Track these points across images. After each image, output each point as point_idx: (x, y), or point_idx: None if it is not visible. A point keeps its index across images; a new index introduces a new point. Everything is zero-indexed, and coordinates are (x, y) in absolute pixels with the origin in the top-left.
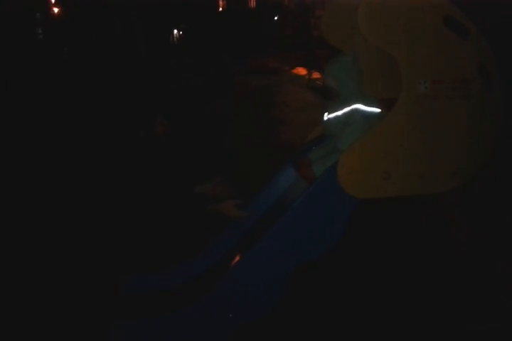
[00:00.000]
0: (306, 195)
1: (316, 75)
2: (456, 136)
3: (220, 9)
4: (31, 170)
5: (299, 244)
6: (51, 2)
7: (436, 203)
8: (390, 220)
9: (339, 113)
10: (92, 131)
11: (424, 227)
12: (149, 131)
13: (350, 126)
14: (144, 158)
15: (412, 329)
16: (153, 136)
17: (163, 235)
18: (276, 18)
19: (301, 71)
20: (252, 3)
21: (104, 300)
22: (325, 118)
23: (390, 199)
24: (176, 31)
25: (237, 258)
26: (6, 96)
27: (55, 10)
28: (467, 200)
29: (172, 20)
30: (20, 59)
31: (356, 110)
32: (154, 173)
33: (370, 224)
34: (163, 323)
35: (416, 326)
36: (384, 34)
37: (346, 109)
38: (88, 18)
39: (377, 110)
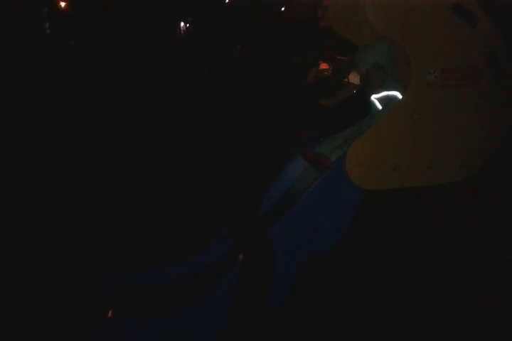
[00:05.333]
0: (315, 187)
1: (323, 66)
2: (465, 125)
3: (227, 1)
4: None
5: (306, 238)
6: None
7: (445, 196)
8: (398, 213)
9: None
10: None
11: (432, 219)
12: None
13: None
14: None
15: (421, 321)
16: None
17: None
18: (283, 9)
19: None
20: None
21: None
22: None
23: (397, 191)
24: (182, 24)
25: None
26: (13, 90)
27: (62, 4)
28: (476, 193)
29: (179, 13)
30: (28, 53)
31: (394, 97)
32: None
33: (377, 218)
34: (160, 320)
35: (426, 317)
36: (391, 24)
37: (381, 95)
38: (95, 12)
39: None
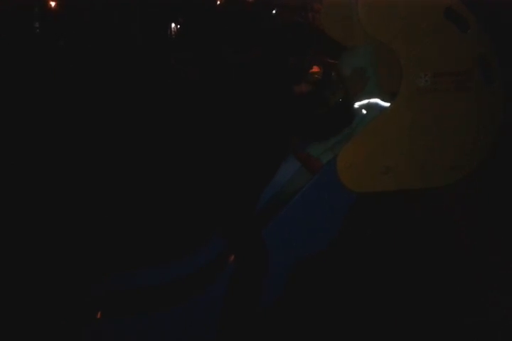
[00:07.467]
0: (307, 188)
1: (314, 69)
2: (455, 128)
3: (218, 2)
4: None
5: (298, 238)
6: None
7: (437, 199)
8: (389, 216)
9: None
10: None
11: (423, 223)
12: None
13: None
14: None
15: (410, 323)
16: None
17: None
18: (274, 11)
19: None
20: None
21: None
22: None
23: (388, 194)
24: (173, 25)
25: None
26: (3, 90)
27: (52, 4)
28: (468, 196)
29: (170, 14)
30: (18, 53)
31: (374, 104)
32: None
33: (369, 220)
34: (151, 321)
35: (415, 320)
36: (384, 27)
37: (363, 102)
38: (85, 12)
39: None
